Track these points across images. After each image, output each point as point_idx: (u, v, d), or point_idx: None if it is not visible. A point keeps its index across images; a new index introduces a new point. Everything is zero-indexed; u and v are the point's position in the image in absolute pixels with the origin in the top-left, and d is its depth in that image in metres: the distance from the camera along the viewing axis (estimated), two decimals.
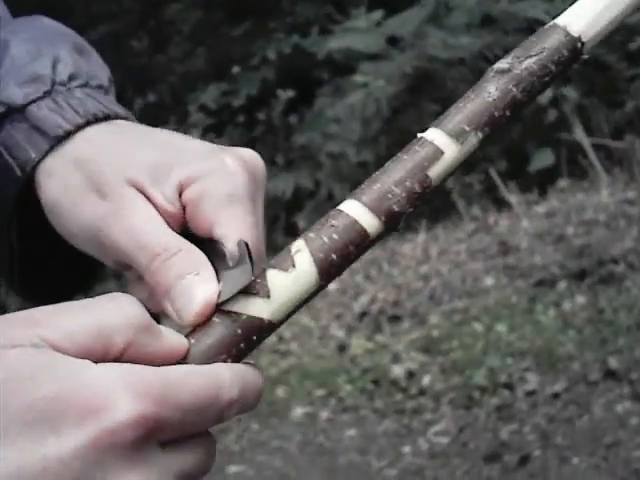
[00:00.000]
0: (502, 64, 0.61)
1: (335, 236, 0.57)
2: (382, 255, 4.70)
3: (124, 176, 0.63)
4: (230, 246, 0.60)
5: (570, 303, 3.71)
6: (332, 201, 5.38)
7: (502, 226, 4.62)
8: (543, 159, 5.01)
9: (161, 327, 0.54)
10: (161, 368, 0.52)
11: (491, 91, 0.60)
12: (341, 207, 0.59)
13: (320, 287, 0.57)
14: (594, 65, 5.17)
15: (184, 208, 0.62)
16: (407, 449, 3.21)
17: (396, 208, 0.58)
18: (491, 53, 5.31)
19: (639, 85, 5.04)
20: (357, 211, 0.58)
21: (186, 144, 0.65)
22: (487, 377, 3.40)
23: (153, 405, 0.50)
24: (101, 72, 0.71)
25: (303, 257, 0.57)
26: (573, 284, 3.83)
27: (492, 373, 3.41)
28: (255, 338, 0.56)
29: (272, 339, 4.15)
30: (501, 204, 4.84)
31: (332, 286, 4.52)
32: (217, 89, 6.45)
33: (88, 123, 0.66)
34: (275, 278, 0.57)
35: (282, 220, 5.74)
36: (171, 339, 0.54)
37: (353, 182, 5.51)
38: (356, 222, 0.58)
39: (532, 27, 5.21)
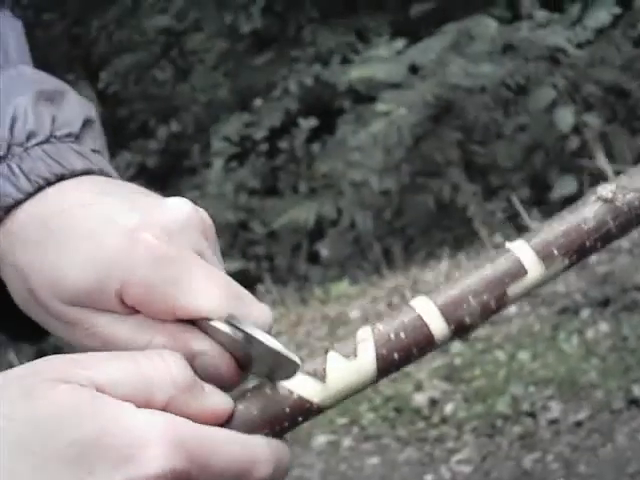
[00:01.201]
0: (606, 191, 0.58)
1: (402, 335, 0.56)
2: (405, 283, 4.70)
3: (60, 298, 0.58)
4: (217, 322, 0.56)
5: (593, 331, 3.69)
6: (354, 229, 5.40)
7: None
8: (566, 186, 5.00)
9: (208, 386, 0.54)
10: (203, 427, 0.52)
11: (588, 218, 0.58)
12: (414, 304, 0.57)
13: (373, 382, 0.56)
14: (616, 92, 5.18)
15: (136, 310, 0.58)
16: (429, 478, 3.20)
17: (468, 320, 0.57)
18: (512, 81, 5.32)
19: None
20: (429, 313, 0.56)
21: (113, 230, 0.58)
22: (510, 405, 3.39)
23: (185, 461, 0.50)
24: (74, 116, 0.66)
25: (367, 349, 0.56)
26: (596, 312, 3.81)
27: (515, 401, 3.39)
28: (300, 419, 0.56)
29: None
30: (524, 231, 4.81)
31: (355, 314, 4.52)
32: (239, 120, 6.49)
33: (40, 188, 0.61)
34: (334, 362, 0.55)
35: (304, 248, 5.75)
36: (215, 401, 0.54)
37: (375, 210, 5.52)
38: (426, 325, 0.56)
39: (553, 55, 5.23)
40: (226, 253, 5.85)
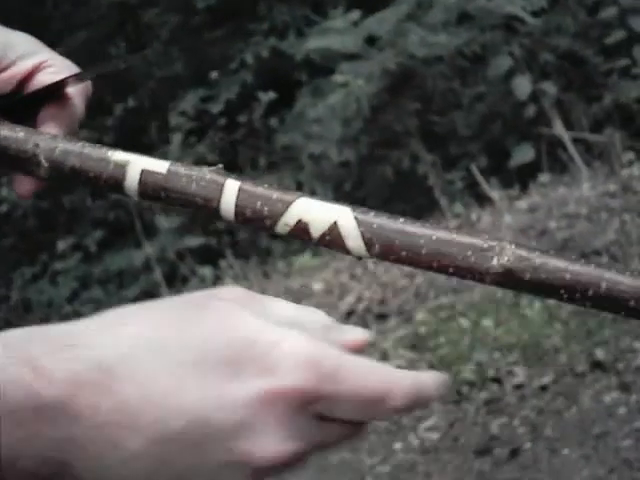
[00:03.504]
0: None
1: None
2: None
3: None
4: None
5: None
6: None
7: (485, 222, 4.65)
8: (524, 154, 5.04)
9: (347, 326, 0.60)
10: (341, 353, 0.56)
11: None
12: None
13: None
14: (571, 60, 5.21)
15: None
16: (398, 445, 3.24)
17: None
18: (469, 50, 5.34)
19: (616, 79, 5.08)
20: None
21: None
22: (475, 372, 3.43)
23: (318, 382, 0.55)
24: None
25: None
26: None
27: (480, 368, 3.43)
28: None
29: None
30: (483, 200, 4.87)
31: (317, 286, 4.54)
32: (196, 94, 6.46)
33: None
34: None
35: None
36: (356, 333, 0.60)
37: (335, 182, 5.53)
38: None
39: (509, 23, 5.25)
40: (187, 229, 5.84)
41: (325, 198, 0.68)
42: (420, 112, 5.41)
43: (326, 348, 0.56)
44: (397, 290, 4.25)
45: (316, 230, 0.66)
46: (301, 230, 0.67)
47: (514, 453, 2.99)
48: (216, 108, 6.34)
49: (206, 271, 5.25)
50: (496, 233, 4.42)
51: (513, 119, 5.15)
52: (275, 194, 0.68)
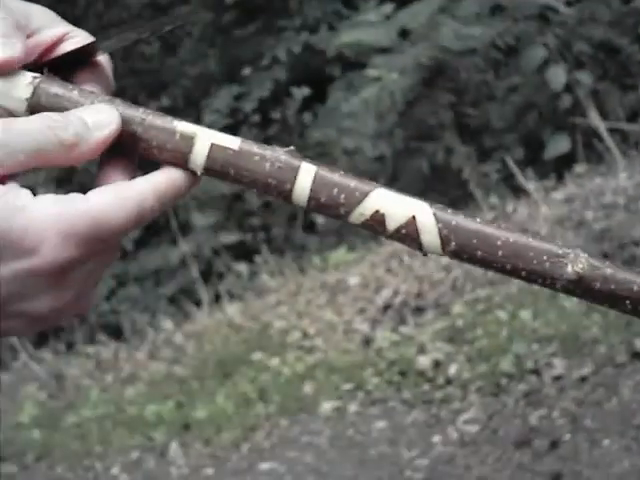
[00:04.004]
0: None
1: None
2: (402, 248, 4.70)
3: None
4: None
5: None
6: None
7: (521, 214, 4.62)
8: (559, 145, 5.01)
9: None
10: (90, 210, 0.62)
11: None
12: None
13: None
14: (606, 49, 5.17)
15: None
16: (437, 439, 3.23)
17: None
18: (502, 41, 5.31)
19: None
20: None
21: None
22: (514, 364, 3.41)
23: (77, 248, 0.61)
24: None
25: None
26: None
27: (518, 360, 3.41)
28: None
29: (297, 335, 4.17)
30: (519, 192, 4.84)
31: (354, 280, 4.53)
32: (229, 92, 6.47)
33: None
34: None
35: (300, 218, 5.76)
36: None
37: (370, 176, 5.52)
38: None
39: (542, 13, 5.21)
40: (222, 226, 5.85)
41: None
42: (454, 105, 5.39)
43: (75, 213, 0.61)
44: (434, 283, 4.23)
45: (393, 222, 0.65)
46: (377, 221, 0.66)
47: (554, 445, 2.97)
48: (249, 105, 6.36)
49: (242, 267, 5.26)
50: (532, 224, 4.39)
51: (548, 110, 5.12)
52: (352, 182, 0.67)
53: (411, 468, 3.13)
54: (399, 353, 3.75)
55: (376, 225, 0.66)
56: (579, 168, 4.78)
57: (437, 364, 3.59)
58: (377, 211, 0.65)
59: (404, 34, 5.55)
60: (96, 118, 0.64)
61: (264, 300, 4.63)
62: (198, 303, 4.99)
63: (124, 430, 3.96)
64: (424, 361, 3.62)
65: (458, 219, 0.65)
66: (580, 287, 0.65)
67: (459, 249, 0.65)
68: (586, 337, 3.41)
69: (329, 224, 5.55)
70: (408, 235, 0.65)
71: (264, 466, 3.40)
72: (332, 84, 6.07)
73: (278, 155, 0.67)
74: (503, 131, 5.25)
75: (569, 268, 0.65)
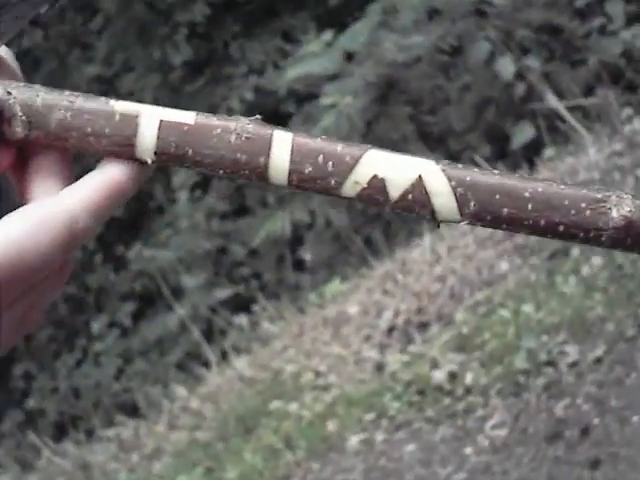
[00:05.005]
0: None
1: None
2: (394, 267, 4.72)
3: None
4: None
5: (588, 267, 3.72)
6: (331, 227, 5.41)
7: None
8: (523, 134, 5.04)
9: None
10: (8, 234, 0.50)
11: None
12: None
13: None
14: (548, 30, 5.21)
15: None
16: (469, 450, 3.22)
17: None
18: (446, 44, 5.35)
19: (595, 39, 5.08)
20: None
21: None
22: (527, 359, 3.41)
23: (5, 280, 0.50)
24: None
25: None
26: (586, 248, 3.85)
27: (531, 354, 3.42)
28: None
29: (309, 376, 4.17)
30: None
31: (353, 309, 4.54)
32: None
33: None
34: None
35: (288, 258, 5.76)
36: None
37: (346, 204, 5.54)
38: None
39: (478, 9, 5.26)
40: (213, 282, 5.85)
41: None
42: (413, 116, 5.41)
43: None
44: (432, 296, 4.24)
45: (396, 188, 0.54)
46: (376, 189, 0.55)
47: (585, 432, 2.97)
48: None
49: (242, 319, 5.26)
50: None
51: (504, 101, 5.15)
52: (339, 147, 0.56)
53: None
54: (413, 372, 3.76)
55: (376, 194, 0.54)
56: (548, 152, 4.81)
57: (453, 376, 3.59)
58: (375, 176, 0.54)
59: (349, 57, 5.59)
60: None
61: (270, 348, 4.63)
62: (206, 364, 4.99)
63: None
64: (439, 375, 3.62)
65: (473, 174, 0.55)
66: (632, 234, 0.54)
67: (480, 209, 0.55)
68: (592, 318, 3.42)
69: (317, 258, 5.56)
70: (416, 201, 0.54)
71: None
72: (290, 120, 6.10)
73: (244, 124, 0.56)
74: (466, 131, 5.28)
75: (614, 213, 0.55)
